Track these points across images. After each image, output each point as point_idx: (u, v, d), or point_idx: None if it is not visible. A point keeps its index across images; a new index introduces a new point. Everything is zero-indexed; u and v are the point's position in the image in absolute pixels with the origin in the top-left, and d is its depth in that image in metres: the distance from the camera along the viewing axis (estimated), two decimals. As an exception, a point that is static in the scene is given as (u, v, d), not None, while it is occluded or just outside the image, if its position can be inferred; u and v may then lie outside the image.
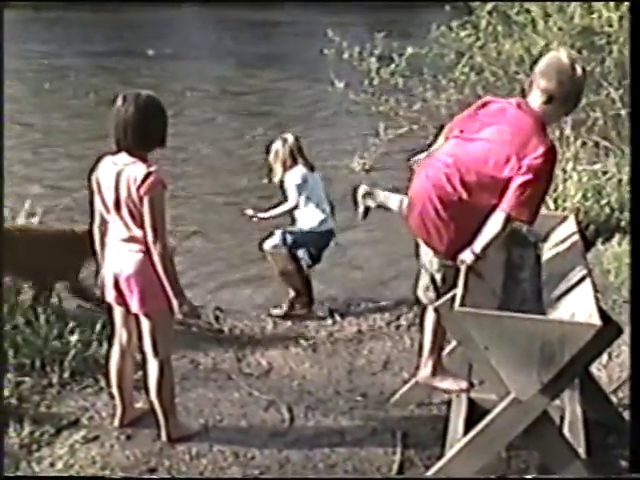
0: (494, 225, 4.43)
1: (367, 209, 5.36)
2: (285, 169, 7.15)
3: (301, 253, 7.28)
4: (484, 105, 4.80)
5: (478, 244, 4.42)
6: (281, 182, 7.24)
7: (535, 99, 4.57)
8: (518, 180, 4.39)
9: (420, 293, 5.05)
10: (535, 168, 4.38)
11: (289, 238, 7.17)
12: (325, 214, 7.22)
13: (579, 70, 4.48)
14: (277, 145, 7.20)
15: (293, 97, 15.53)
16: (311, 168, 7.22)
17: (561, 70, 4.47)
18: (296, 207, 7.19)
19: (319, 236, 7.26)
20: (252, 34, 20.87)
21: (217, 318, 6.85)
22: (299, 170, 7.13)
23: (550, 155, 4.43)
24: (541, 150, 4.39)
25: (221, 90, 15.86)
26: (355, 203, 5.40)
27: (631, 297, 4.09)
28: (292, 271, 7.22)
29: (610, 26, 9.42)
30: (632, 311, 4.14)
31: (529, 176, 4.38)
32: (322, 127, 13.58)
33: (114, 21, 20.66)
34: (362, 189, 5.37)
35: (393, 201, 5.27)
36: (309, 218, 7.21)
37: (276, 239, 7.19)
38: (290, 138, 7.20)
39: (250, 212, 7.38)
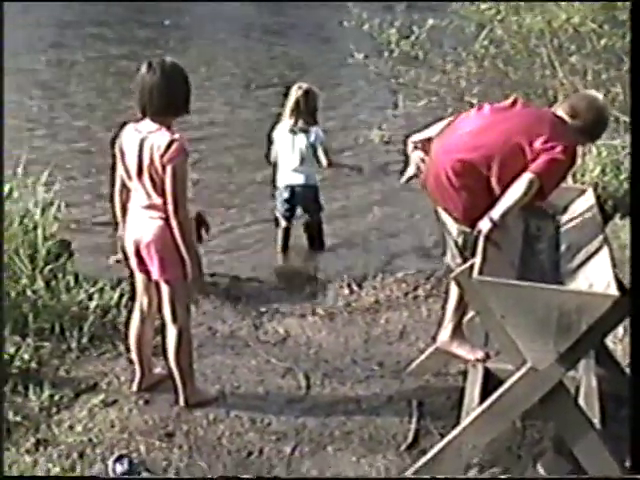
0: (517, 187, 4.47)
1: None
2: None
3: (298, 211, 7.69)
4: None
5: (497, 210, 4.45)
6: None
7: (562, 113, 4.79)
8: (552, 154, 4.50)
9: (447, 258, 5.09)
10: (569, 152, 4.57)
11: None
12: (284, 172, 7.47)
13: (608, 109, 5.07)
14: (292, 91, 7.38)
15: (312, 68, 15.46)
16: (306, 123, 7.32)
17: (592, 98, 4.90)
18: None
19: (287, 192, 7.51)
20: (271, 5, 20.80)
21: (235, 286, 6.86)
22: (280, 127, 7.44)
23: (575, 154, 4.65)
24: (572, 144, 4.62)
25: (236, 62, 15.82)
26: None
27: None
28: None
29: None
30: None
31: (562, 156, 4.51)
32: (341, 98, 13.53)
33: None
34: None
35: None
36: (277, 177, 7.60)
37: None
38: (294, 89, 7.35)
39: None
